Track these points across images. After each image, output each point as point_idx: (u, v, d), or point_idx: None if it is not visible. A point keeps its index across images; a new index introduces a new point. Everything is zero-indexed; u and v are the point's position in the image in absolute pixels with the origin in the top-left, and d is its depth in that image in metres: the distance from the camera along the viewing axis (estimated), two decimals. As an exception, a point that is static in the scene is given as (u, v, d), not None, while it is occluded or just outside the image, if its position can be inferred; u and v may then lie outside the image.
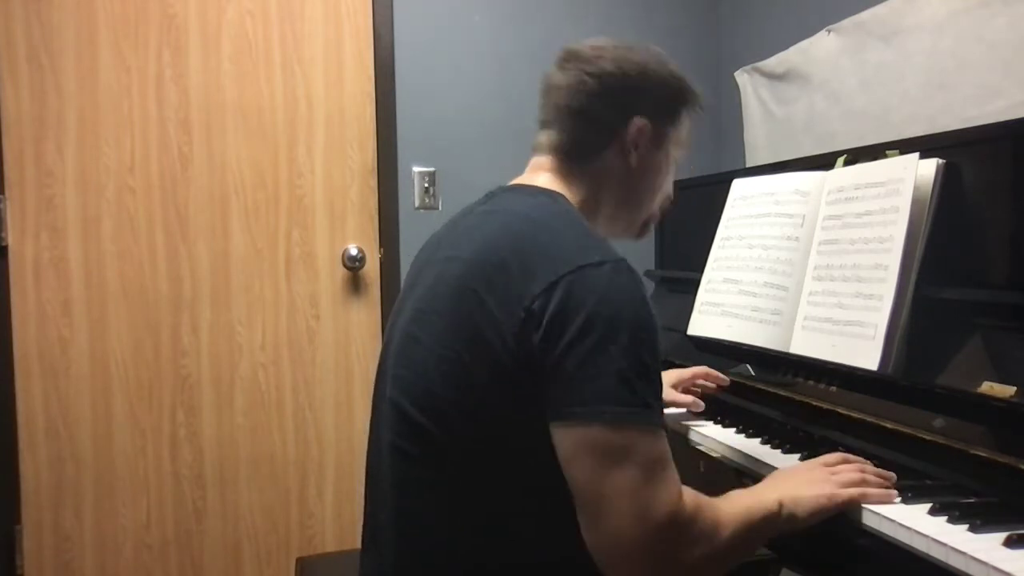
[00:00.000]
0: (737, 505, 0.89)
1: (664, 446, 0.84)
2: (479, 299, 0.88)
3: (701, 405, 1.39)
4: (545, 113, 1.07)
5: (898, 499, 0.94)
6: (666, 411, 1.44)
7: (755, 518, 0.88)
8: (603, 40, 1.06)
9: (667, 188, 1.12)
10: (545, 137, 1.07)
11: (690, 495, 0.85)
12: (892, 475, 0.98)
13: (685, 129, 1.11)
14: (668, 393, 1.37)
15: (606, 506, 0.81)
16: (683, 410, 1.44)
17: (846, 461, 1.01)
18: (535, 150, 1.08)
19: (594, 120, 1.03)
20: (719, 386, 1.44)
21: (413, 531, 0.94)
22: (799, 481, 0.97)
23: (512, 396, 0.87)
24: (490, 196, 1.06)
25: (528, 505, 0.91)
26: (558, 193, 1.02)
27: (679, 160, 1.13)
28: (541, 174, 1.05)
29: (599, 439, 0.81)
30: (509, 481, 0.91)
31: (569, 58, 1.05)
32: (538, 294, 0.84)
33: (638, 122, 1.03)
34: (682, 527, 0.82)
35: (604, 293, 0.84)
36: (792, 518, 0.91)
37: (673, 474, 0.84)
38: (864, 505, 0.92)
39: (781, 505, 0.90)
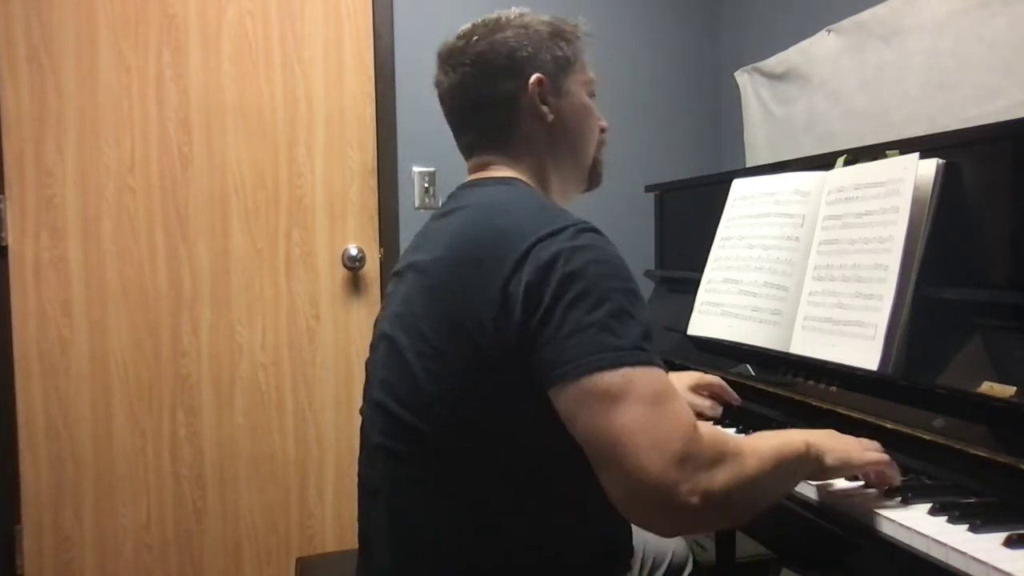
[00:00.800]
0: (764, 438, 0.89)
1: (664, 379, 0.82)
2: (453, 294, 0.90)
3: (719, 411, 1.35)
4: (451, 121, 1.10)
5: (898, 497, 0.94)
6: None
7: (784, 452, 0.87)
8: (468, 25, 1.07)
9: (594, 126, 1.12)
10: (465, 142, 1.10)
11: (706, 425, 0.85)
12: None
13: (581, 64, 1.10)
14: (687, 395, 1.35)
15: (620, 448, 0.78)
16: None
17: None
18: (466, 157, 1.11)
19: (493, 102, 1.05)
20: (728, 403, 1.40)
21: (406, 532, 0.95)
22: (825, 436, 0.97)
23: (497, 385, 0.87)
24: (451, 196, 1.08)
25: (520, 502, 0.91)
26: (512, 177, 1.04)
27: (593, 92, 1.12)
28: (487, 168, 1.07)
29: (595, 387, 0.80)
30: (500, 477, 0.91)
31: (446, 60, 1.07)
32: (509, 275, 0.86)
33: (532, 79, 1.03)
34: (702, 452, 0.79)
35: (570, 254, 0.85)
36: (819, 462, 0.91)
37: (682, 404, 0.82)
38: (865, 505, 0.93)
39: (809, 446, 0.90)
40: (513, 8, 1.08)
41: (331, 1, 2.25)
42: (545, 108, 1.05)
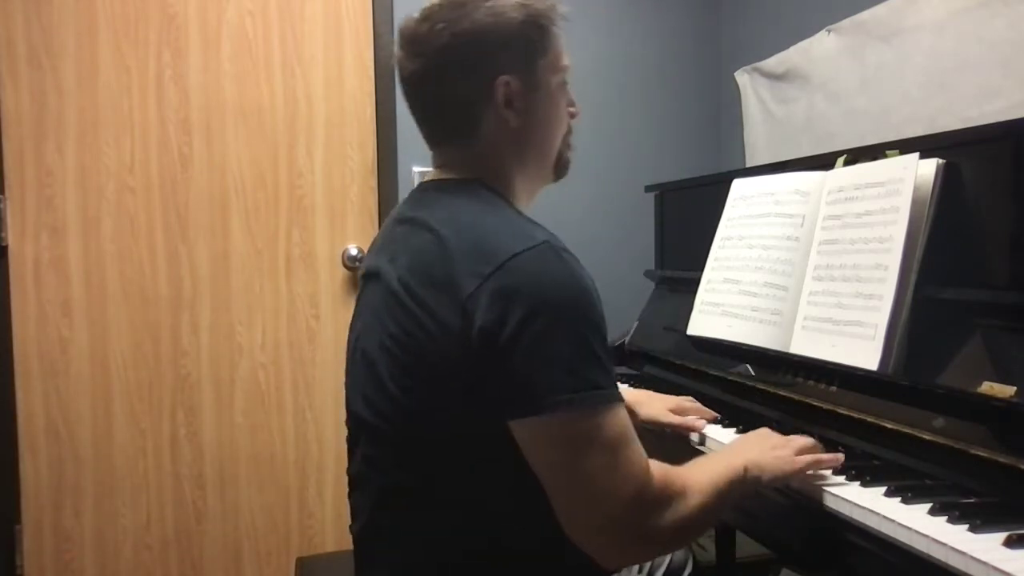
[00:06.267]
0: (705, 471, 0.92)
1: (623, 421, 0.85)
2: (416, 315, 0.87)
3: (702, 424, 1.31)
4: (411, 107, 1.02)
5: (898, 497, 0.94)
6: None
7: (722, 483, 0.92)
8: (429, 7, 0.96)
9: (563, 118, 1.04)
10: (426, 131, 1.03)
11: (657, 466, 0.87)
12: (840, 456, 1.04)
13: (554, 53, 1.00)
14: (667, 417, 1.34)
15: (575, 493, 0.83)
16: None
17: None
18: (429, 146, 1.04)
19: (455, 101, 0.97)
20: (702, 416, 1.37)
21: (399, 545, 0.94)
22: (760, 448, 1.02)
23: (466, 400, 0.86)
24: (412, 198, 1.03)
25: (514, 506, 0.90)
26: (473, 180, 0.98)
27: (564, 80, 1.03)
28: (447, 168, 1.01)
29: (558, 430, 0.82)
30: (491, 484, 0.90)
31: (407, 43, 0.98)
32: (469, 296, 0.83)
33: (501, 82, 0.95)
34: (652, 499, 0.84)
35: (535, 283, 0.83)
36: (756, 481, 0.96)
37: (637, 447, 0.85)
38: (864, 505, 0.92)
39: (746, 470, 0.95)
40: None
41: (331, 1, 2.25)
42: (511, 112, 0.97)
